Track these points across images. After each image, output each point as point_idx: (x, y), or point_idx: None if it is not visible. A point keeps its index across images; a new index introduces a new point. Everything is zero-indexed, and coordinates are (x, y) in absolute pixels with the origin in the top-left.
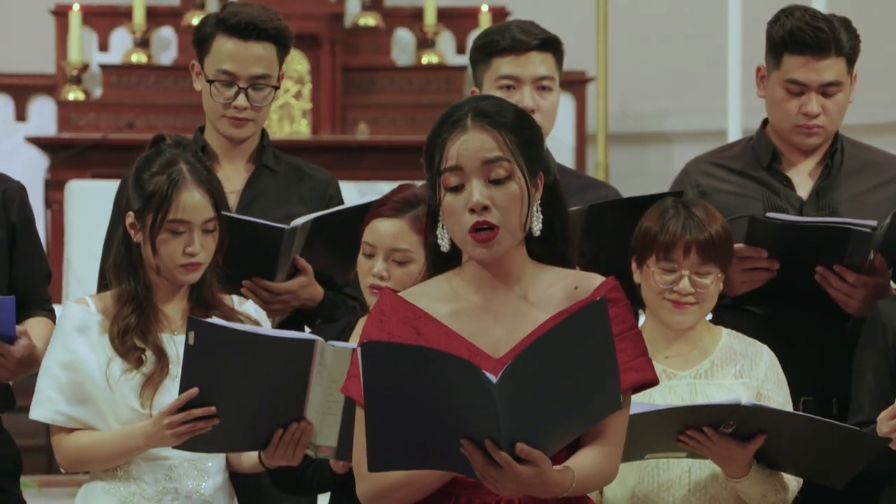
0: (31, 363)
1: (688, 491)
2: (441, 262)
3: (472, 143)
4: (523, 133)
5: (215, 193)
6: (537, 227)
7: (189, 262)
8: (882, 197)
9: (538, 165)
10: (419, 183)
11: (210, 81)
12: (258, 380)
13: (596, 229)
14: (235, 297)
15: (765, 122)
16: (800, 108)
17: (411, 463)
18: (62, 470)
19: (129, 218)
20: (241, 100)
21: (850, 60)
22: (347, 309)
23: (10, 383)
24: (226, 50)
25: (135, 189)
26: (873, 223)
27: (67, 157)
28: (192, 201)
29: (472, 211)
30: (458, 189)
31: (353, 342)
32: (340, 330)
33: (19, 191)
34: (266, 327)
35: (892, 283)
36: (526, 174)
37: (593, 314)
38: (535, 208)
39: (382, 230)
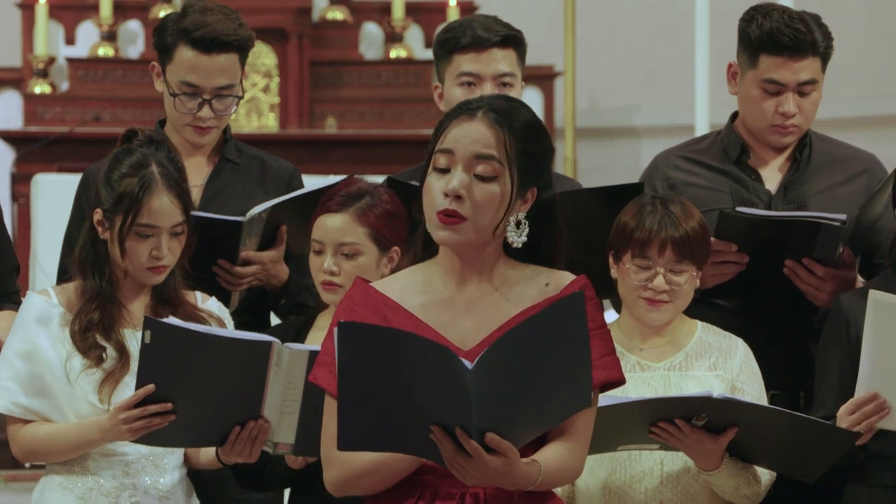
0: None
1: (660, 483)
2: (429, 238)
3: (471, 133)
4: (528, 144)
5: (185, 197)
6: (518, 241)
7: (155, 266)
8: (850, 191)
9: (533, 180)
10: (372, 177)
11: (174, 94)
12: (214, 379)
13: None
14: (199, 294)
15: (733, 117)
16: (776, 107)
17: (381, 445)
18: (18, 460)
19: (98, 215)
20: (206, 111)
21: (825, 59)
22: (311, 293)
23: None
24: (188, 62)
25: (105, 187)
26: (843, 217)
27: (34, 151)
28: (162, 207)
29: (447, 196)
30: (443, 171)
31: (313, 335)
32: (299, 326)
33: None
34: (229, 324)
35: (858, 276)
36: (513, 182)
37: (571, 306)
38: (513, 219)
39: (328, 225)
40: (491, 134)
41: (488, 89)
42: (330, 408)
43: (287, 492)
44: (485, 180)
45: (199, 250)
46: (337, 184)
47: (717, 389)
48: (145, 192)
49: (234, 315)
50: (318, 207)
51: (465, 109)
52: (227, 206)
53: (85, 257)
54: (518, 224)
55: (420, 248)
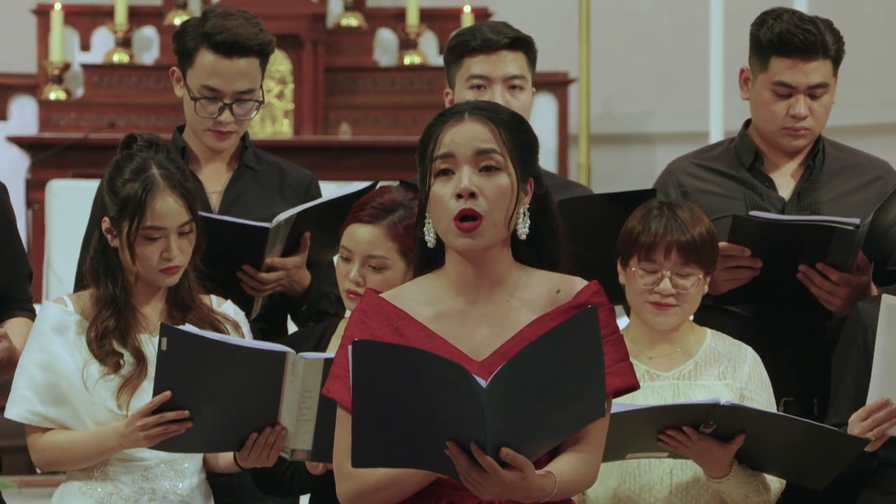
0: (11, 365)
1: (669, 492)
2: (427, 258)
3: (467, 133)
4: (518, 135)
5: (189, 196)
6: (523, 231)
7: (167, 267)
8: (863, 198)
9: (529, 170)
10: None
11: (195, 98)
12: (230, 386)
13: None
14: (214, 297)
15: (747, 124)
16: (787, 110)
17: (395, 461)
18: (37, 469)
19: (105, 223)
20: (226, 115)
21: (836, 62)
22: (331, 301)
23: None
24: (210, 66)
25: (109, 195)
26: (856, 221)
27: (49, 157)
28: (167, 207)
29: (459, 197)
30: (447, 174)
31: (335, 342)
32: (321, 332)
33: (0, 190)
34: (245, 328)
35: (872, 282)
36: (517, 170)
37: (584, 321)
38: (521, 210)
39: (359, 236)
40: (485, 128)
41: (498, 91)
42: (343, 421)
43: (305, 498)
44: (492, 172)
45: (223, 255)
46: (366, 190)
47: (726, 398)
48: (148, 194)
49: (252, 322)
50: (350, 215)
51: (450, 114)
52: (245, 212)
53: (96, 266)
54: (523, 215)
55: (421, 266)
